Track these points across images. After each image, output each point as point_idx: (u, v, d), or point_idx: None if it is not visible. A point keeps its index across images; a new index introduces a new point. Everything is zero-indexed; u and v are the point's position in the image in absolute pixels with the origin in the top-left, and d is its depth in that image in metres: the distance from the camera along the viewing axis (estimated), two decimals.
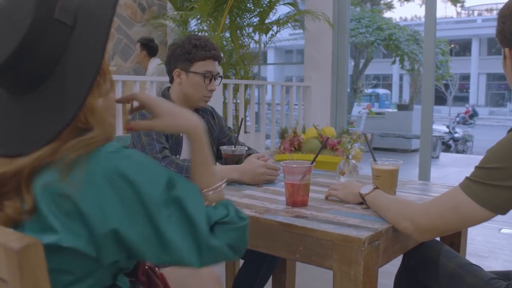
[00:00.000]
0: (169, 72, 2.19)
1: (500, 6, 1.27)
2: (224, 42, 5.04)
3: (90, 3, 0.89)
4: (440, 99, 28.25)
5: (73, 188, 0.81)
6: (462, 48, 31.66)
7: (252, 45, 5.47)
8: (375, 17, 14.74)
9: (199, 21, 4.97)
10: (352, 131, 5.00)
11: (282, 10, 5.46)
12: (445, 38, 18.75)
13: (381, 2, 19.83)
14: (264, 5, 5.13)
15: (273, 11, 5.36)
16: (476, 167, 1.19)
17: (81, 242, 0.83)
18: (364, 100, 22.47)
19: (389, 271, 1.62)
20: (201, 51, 2.10)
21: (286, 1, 5.36)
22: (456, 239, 1.74)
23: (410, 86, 20.42)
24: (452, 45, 26.26)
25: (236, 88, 5.08)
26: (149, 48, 5.12)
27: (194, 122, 1.09)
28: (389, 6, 20.94)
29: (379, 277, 1.28)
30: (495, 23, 1.27)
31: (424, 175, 4.69)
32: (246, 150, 2.09)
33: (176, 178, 0.91)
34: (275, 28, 5.31)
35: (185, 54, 2.10)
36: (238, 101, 5.01)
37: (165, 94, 2.18)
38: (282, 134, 4.61)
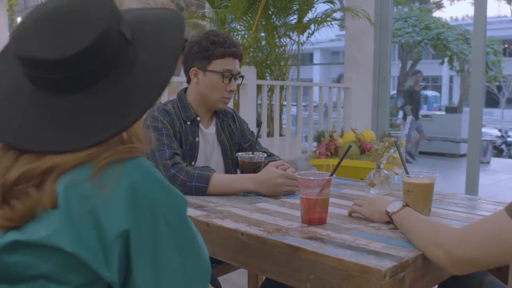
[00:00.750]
0: (186, 72, 2.02)
1: None
2: (262, 43, 4.86)
3: (147, 27, 0.92)
4: (492, 101, 27.13)
5: (99, 190, 0.79)
6: None
7: (293, 46, 5.25)
8: (422, 16, 14.21)
9: (233, 20, 4.81)
10: (394, 134, 4.68)
11: (321, 8, 5.23)
12: (498, 37, 17.94)
13: (431, 0, 19.19)
14: (302, 2, 4.91)
15: (312, 9, 5.14)
16: None
17: (84, 249, 0.77)
18: None
19: None
20: (220, 48, 1.93)
21: None
22: (503, 266, 1.49)
23: (460, 88, 19.68)
24: (506, 45, 25.18)
25: (271, 89, 4.89)
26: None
27: None
28: (439, 6, 20.22)
29: None
30: None
31: (472, 181, 4.36)
32: (265, 157, 1.89)
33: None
34: (312, 27, 5.08)
35: (202, 52, 1.93)
36: (273, 102, 4.82)
37: (181, 96, 2.02)
38: (318, 138, 4.40)
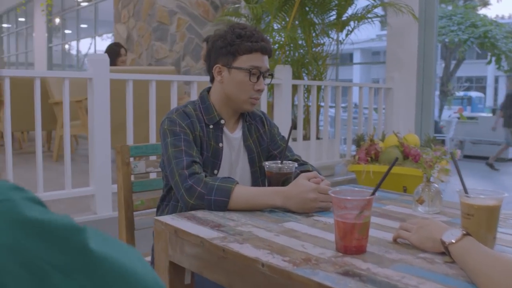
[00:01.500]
0: (209, 70, 1.82)
1: None
2: (299, 41, 4.62)
3: None
4: None
5: None
6: None
7: (332, 44, 4.98)
8: (468, 13, 13.64)
9: (269, 17, 4.59)
10: (439, 138, 4.34)
11: (361, 4, 4.94)
12: None
13: None
14: None
15: (351, 6, 4.87)
16: None
17: None
18: (455, 103, 21.15)
19: None
20: (247, 42, 1.71)
21: None
22: None
23: (507, 88, 18.87)
24: None
25: (308, 90, 4.65)
26: None
27: None
28: (485, 3, 19.46)
29: None
30: None
31: None
32: (297, 166, 1.66)
33: None
34: (352, 25, 4.80)
35: (227, 46, 1.72)
36: (310, 104, 4.58)
37: (203, 96, 1.81)
38: (358, 142, 4.12)
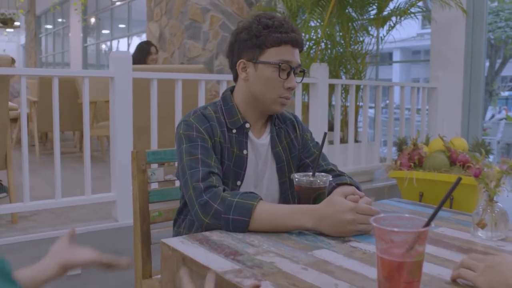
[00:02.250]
0: (232, 66, 1.59)
1: None
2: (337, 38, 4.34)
3: None
4: None
5: None
6: None
7: (372, 41, 4.68)
8: None
9: (305, 15, 4.34)
10: (488, 140, 3.99)
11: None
12: None
13: None
14: None
15: (393, 0, 4.57)
16: None
17: None
18: (500, 103, 20.37)
19: None
20: (275, 34, 1.48)
21: None
22: None
23: None
24: None
25: (345, 90, 4.38)
26: None
27: None
28: None
29: None
30: None
31: None
32: (331, 179, 1.42)
33: None
34: (394, 20, 4.49)
35: (252, 38, 1.49)
36: (348, 104, 4.31)
37: (226, 97, 1.59)
38: (400, 146, 3.83)
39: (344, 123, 4.37)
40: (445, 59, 4.63)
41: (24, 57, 15.45)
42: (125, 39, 9.13)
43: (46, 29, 13.78)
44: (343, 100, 4.46)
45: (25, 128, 2.63)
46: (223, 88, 3.19)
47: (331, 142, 4.01)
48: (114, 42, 10.02)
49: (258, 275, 0.96)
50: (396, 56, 22.72)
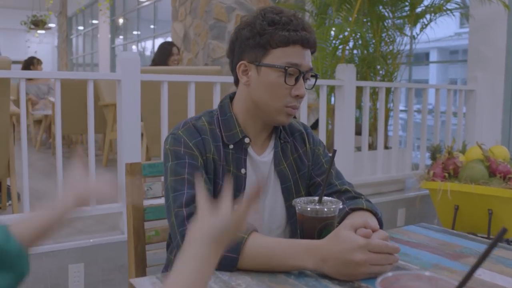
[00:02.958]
0: (233, 68, 1.36)
1: None
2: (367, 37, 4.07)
3: None
4: None
5: None
6: None
7: (404, 41, 4.38)
8: None
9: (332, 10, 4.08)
10: None
11: None
12: None
13: None
14: None
15: None
16: None
17: None
18: None
19: None
20: (282, 31, 1.24)
21: None
22: None
23: None
24: None
25: (375, 92, 4.10)
26: None
27: None
28: None
29: None
30: None
31: None
32: (340, 207, 1.18)
33: None
34: (428, 17, 4.18)
35: (255, 37, 1.26)
36: (377, 107, 4.03)
37: (224, 105, 1.36)
38: (433, 154, 3.53)
39: (373, 129, 4.09)
40: (485, 59, 4.30)
41: (57, 59, 15.63)
42: (151, 40, 9.04)
43: (77, 30, 13.86)
44: (372, 103, 4.18)
45: (59, 131, 2.57)
46: None
47: (358, 149, 3.75)
48: (143, 43, 9.95)
49: None
50: (433, 56, 22.10)
